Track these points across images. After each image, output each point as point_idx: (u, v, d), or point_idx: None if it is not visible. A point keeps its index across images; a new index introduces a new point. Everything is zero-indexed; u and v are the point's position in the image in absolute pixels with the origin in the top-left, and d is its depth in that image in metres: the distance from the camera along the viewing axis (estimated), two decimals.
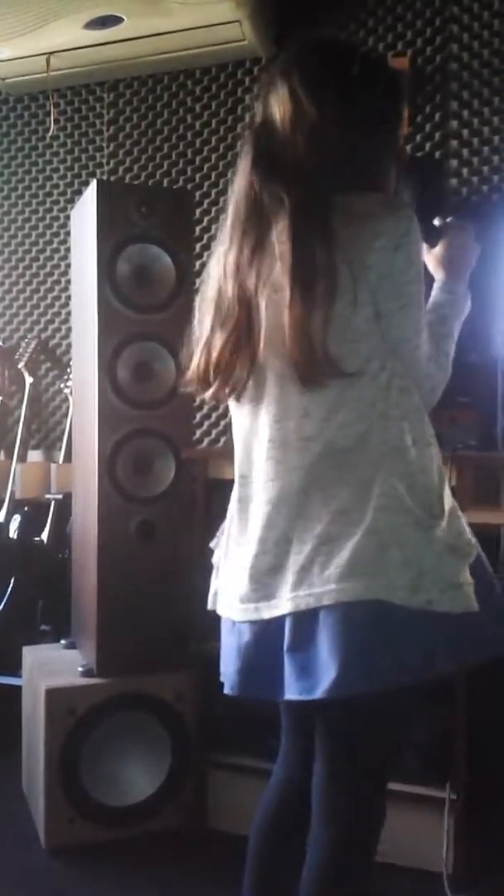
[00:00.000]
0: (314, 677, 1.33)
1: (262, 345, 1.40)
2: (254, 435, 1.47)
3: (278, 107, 1.43)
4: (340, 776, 1.45)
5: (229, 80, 3.17)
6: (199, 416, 3.17)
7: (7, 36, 2.97)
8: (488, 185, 2.83)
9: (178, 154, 3.27)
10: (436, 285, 1.60)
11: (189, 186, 3.20)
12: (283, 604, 1.38)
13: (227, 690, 1.46)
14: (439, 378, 1.49)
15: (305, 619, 1.35)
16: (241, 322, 1.41)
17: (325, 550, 1.36)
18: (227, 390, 1.46)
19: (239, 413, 1.51)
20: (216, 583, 1.56)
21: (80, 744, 2.37)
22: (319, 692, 1.32)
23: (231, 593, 1.47)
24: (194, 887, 2.19)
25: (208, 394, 1.48)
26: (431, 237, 1.61)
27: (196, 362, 1.47)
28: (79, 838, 2.37)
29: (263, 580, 1.41)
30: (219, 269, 1.45)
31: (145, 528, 2.43)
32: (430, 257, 1.61)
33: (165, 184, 3.26)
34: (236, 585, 1.45)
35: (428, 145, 2.90)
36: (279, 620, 1.38)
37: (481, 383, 2.40)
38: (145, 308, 2.41)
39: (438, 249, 1.61)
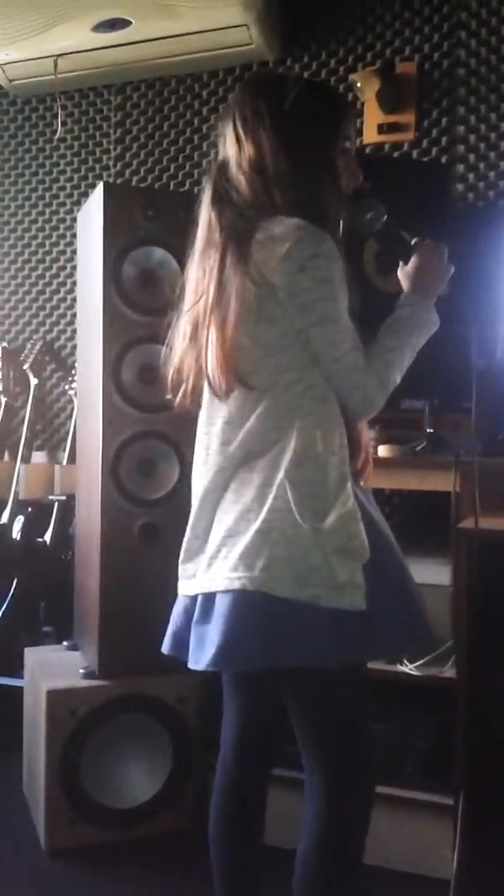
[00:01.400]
0: (203, 650, 1.52)
1: (204, 358, 1.57)
2: (198, 435, 1.66)
3: (228, 148, 1.58)
4: (311, 758, 1.57)
5: (236, 83, 3.18)
6: None
7: (15, 38, 2.98)
8: (494, 190, 2.83)
9: (184, 157, 3.28)
10: (401, 298, 1.63)
11: (196, 189, 3.20)
12: (198, 584, 1.58)
13: (162, 648, 1.67)
14: (373, 388, 1.54)
15: (207, 601, 1.55)
16: (190, 337, 1.59)
17: (228, 542, 1.53)
18: (184, 399, 1.64)
19: (199, 417, 1.69)
20: None
21: (81, 745, 2.36)
22: (202, 664, 1.50)
23: (180, 564, 1.67)
24: (195, 890, 2.18)
25: (175, 402, 1.65)
26: (402, 254, 1.65)
27: (169, 372, 1.65)
28: (79, 840, 2.37)
29: (191, 560, 1.61)
30: (186, 291, 1.63)
31: (148, 530, 2.43)
32: (402, 274, 1.65)
33: (172, 187, 3.27)
34: (180, 564, 1.66)
35: (435, 150, 2.90)
36: (195, 597, 1.59)
37: (486, 389, 2.40)
38: (150, 310, 2.41)
39: (408, 266, 1.65)
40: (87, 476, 2.60)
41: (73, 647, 2.70)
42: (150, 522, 2.43)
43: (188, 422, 2.51)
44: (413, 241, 1.65)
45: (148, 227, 2.41)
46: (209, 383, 1.56)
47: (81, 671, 2.44)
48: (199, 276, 1.58)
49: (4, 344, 3.50)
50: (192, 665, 1.55)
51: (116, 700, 2.39)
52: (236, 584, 1.48)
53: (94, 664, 2.45)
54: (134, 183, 3.34)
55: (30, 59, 3.12)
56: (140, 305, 2.41)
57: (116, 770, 2.44)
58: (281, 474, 1.49)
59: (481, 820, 2.21)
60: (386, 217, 1.65)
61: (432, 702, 2.25)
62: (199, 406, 1.65)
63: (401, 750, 2.25)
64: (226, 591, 1.50)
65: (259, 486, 1.51)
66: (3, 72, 3.20)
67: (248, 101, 1.58)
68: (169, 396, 1.66)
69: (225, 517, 1.55)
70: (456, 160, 2.87)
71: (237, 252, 1.50)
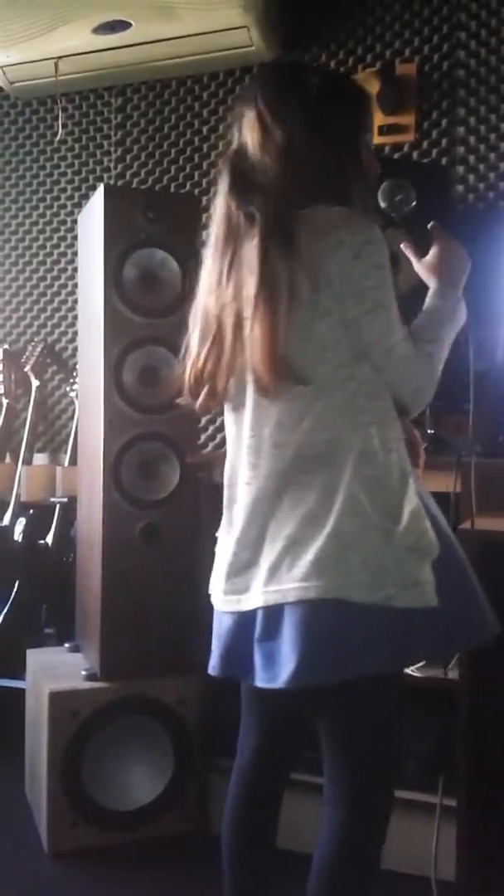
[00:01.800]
0: (277, 667, 1.44)
1: (242, 356, 1.48)
2: (237, 441, 1.57)
3: (249, 132, 1.52)
4: (343, 762, 1.52)
5: (237, 85, 3.18)
6: (204, 420, 3.17)
7: (16, 40, 2.98)
8: (495, 191, 2.83)
9: (185, 159, 3.28)
10: (429, 293, 1.62)
11: (196, 191, 3.21)
12: (256, 598, 1.49)
13: (210, 670, 1.58)
14: (423, 380, 1.53)
15: (273, 613, 1.46)
16: (218, 336, 1.51)
17: (292, 551, 1.45)
18: (212, 401, 1.56)
19: (227, 420, 1.62)
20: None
21: (83, 747, 2.37)
22: (280, 682, 1.42)
23: (217, 586, 1.58)
24: (196, 892, 2.18)
25: (197, 404, 1.57)
26: (421, 243, 1.63)
27: (186, 375, 1.57)
28: (81, 842, 2.38)
29: (241, 574, 1.52)
30: (202, 286, 1.55)
31: (150, 531, 2.43)
32: (422, 267, 1.64)
33: (173, 189, 3.27)
34: (221, 579, 1.57)
35: (435, 152, 2.90)
36: (252, 612, 1.49)
37: (487, 391, 2.40)
38: (151, 312, 2.42)
39: (429, 258, 1.63)
40: (88, 478, 2.61)
41: (75, 649, 2.71)
42: (152, 524, 2.43)
43: (189, 423, 2.53)
44: (429, 225, 1.64)
45: (149, 228, 2.42)
46: (256, 383, 1.46)
47: (83, 673, 2.44)
48: (222, 268, 1.50)
49: (6, 346, 3.50)
50: (263, 684, 1.47)
51: (118, 702, 2.39)
52: (311, 594, 1.41)
53: (95, 666, 2.45)
54: (134, 185, 3.34)
55: (30, 62, 3.12)
56: (141, 307, 2.41)
57: (118, 772, 2.44)
58: (348, 475, 1.44)
59: (483, 821, 2.21)
60: (415, 202, 1.64)
61: (434, 703, 2.25)
62: (222, 406, 1.59)
63: (403, 751, 2.25)
64: (297, 602, 1.42)
65: (323, 489, 1.44)
66: (4, 74, 3.20)
67: (274, 87, 1.53)
68: (183, 398, 1.60)
69: (284, 524, 1.47)
70: (456, 162, 2.87)
71: (283, 242, 1.43)
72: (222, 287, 1.50)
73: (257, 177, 1.49)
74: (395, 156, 2.94)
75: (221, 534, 1.61)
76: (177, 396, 1.63)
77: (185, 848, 2.39)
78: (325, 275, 1.42)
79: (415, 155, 2.93)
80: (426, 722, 2.30)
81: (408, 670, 2.24)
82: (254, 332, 1.44)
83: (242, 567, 1.52)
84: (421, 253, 1.64)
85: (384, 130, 2.92)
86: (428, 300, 1.60)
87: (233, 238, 1.49)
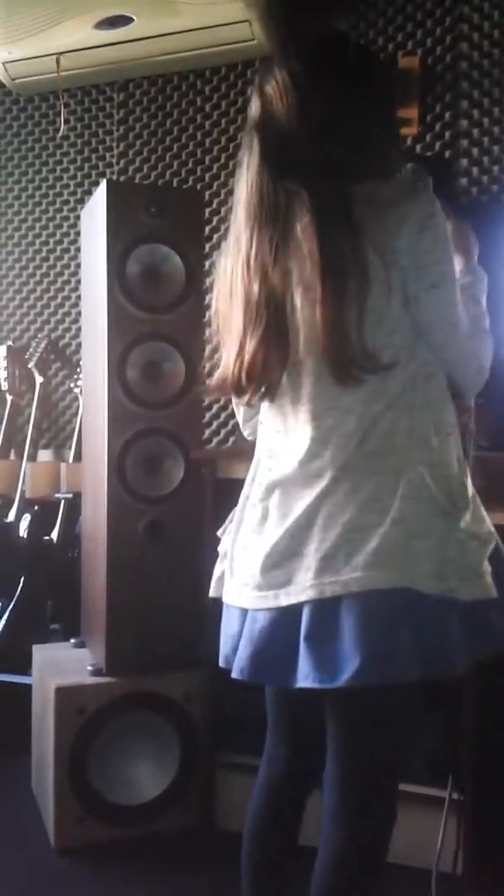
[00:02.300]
0: (335, 665, 1.32)
1: (298, 344, 1.40)
2: (286, 433, 1.47)
3: (279, 98, 1.40)
4: (354, 774, 1.45)
5: (239, 79, 3.17)
6: (208, 415, 3.17)
7: (17, 36, 2.98)
8: (498, 184, 2.82)
9: (187, 154, 3.27)
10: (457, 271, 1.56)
11: (199, 186, 3.20)
12: (304, 591, 1.37)
13: (235, 674, 1.44)
14: (485, 356, 1.49)
15: (327, 607, 1.35)
16: (270, 323, 1.39)
17: (352, 538, 1.35)
18: (260, 393, 1.45)
19: (270, 412, 1.51)
20: (220, 569, 1.56)
21: (89, 743, 2.37)
22: (342, 680, 1.31)
23: (244, 581, 1.46)
24: (202, 887, 2.19)
25: (244, 399, 1.47)
26: None
27: (231, 368, 1.44)
28: (88, 837, 2.38)
29: (281, 566, 1.40)
30: (240, 272, 1.42)
31: (154, 527, 2.43)
32: None
33: (175, 184, 3.26)
34: (252, 573, 1.44)
35: (438, 144, 2.89)
36: (296, 608, 1.37)
37: (495, 384, 2.39)
38: (155, 308, 2.42)
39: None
40: (92, 474, 2.61)
41: (81, 645, 2.71)
42: (156, 520, 2.43)
43: (193, 419, 2.53)
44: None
45: (152, 224, 2.41)
46: (334, 370, 1.35)
47: (89, 668, 2.44)
48: (266, 250, 1.37)
49: (9, 343, 3.50)
50: (315, 684, 1.34)
51: (124, 697, 2.40)
52: (378, 582, 1.31)
53: (101, 661, 2.45)
54: (137, 180, 3.33)
55: (32, 58, 3.11)
56: (144, 303, 2.41)
57: (124, 767, 2.45)
58: (411, 459, 1.36)
59: (489, 815, 2.21)
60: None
61: (440, 697, 2.24)
62: (271, 399, 1.47)
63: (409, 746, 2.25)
64: (360, 593, 1.32)
65: (384, 474, 1.36)
66: (6, 70, 3.20)
67: (311, 53, 1.42)
68: (213, 392, 1.51)
69: (339, 511, 1.36)
70: (459, 154, 2.86)
71: (342, 219, 1.32)
72: (270, 272, 1.38)
73: (295, 146, 1.38)
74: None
75: (248, 525, 1.50)
76: (183, 390, 1.55)
77: (191, 843, 2.39)
78: (392, 251, 1.33)
79: (418, 148, 2.91)
80: (433, 716, 2.30)
81: None
82: (324, 318, 1.33)
83: (282, 558, 1.40)
84: None
85: None
86: (465, 275, 1.55)
87: (273, 217, 1.38)
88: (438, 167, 2.81)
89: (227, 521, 1.61)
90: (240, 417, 1.67)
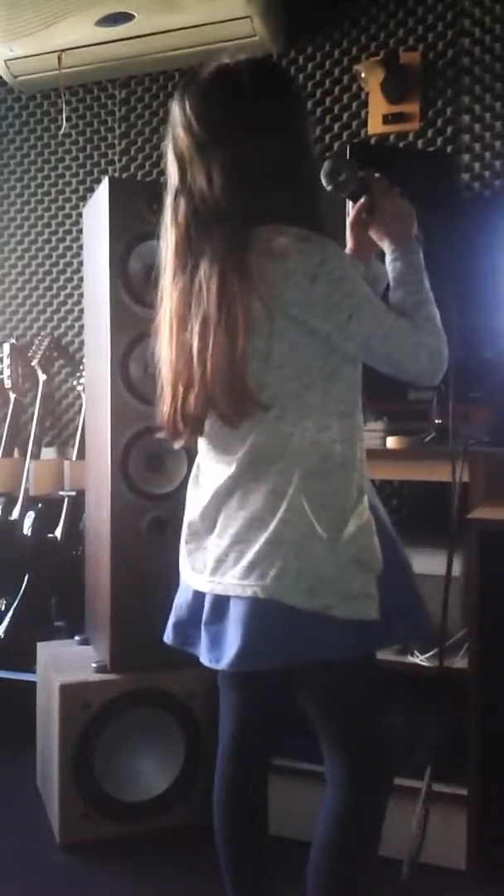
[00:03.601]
0: (221, 650, 1.51)
1: (205, 385, 1.47)
2: (201, 440, 1.61)
3: (181, 139, 1.50)
4: (330, 746, 1.58)
5: None
6: None
7: (19, 33, 2.98)
8: (500, 179, 2.82)
9: None
10: (387, 259, 1.59)
11: None
12: (204, 583, 1.57)
13: (164, 638, 1.68)
14: (434, 342, 1.51)
15: (220, 600, 1.53)
16: (197, 372, 1.47)
17: (236, 549, 1.50)
18: (198, 436, 1.59)
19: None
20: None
21: (93, 739, 2.38)
22: (223, 664, 1.49)
23: (181, 551, 1.66)
24: (207, 882, 2.19)
25: (179, 442, 1.60)
26: (356, 190, 1.61)
27: (166, 414, 1.56)
28: (92, 833, 2.39)
29: (194, 553, 1.60)
30: (167, 323, 1.53)
31: (158, 524, 2.43)
32: (374, 230, 1.62)
33: None
34: (182, 547, 1.65)
35: (439, 140, 2.89)
36: (202, 593, 1.58)
37: (495, 379, 2.40)
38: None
39: (380, 220, 1.60)
40: (95, 471, 2.61)
41: (85, 642, 2.72)
42: (159, 517, 2.43)
43: None
44: (363, 175, 1.61)
45: (154, 221, 2.38)
46: (220, 415, 1.48)
47: (93, 665, 2.45)
48: (183, 303, 1.49)
49: (12, 340, 3.51)
50: (208, 664, 1.55)
51: (128, 694, 2.40)
52: (248, 592, 1.47)
53: (105, 658, 2.46)
54: (139, 177, 3.33)
55: (34, 55, 3.11)
56: (147, 300, 2.38)
57: (129, 764, 2.45)
58: (294, 484, 1.46)
59: (492, 809, 2.21)
60: (361, 174, 1.61)
61: (444, 692, 2.25)
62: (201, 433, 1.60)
63: (412, 740, 2.25)
64: (238, 598, 1.49)
65: (267, 495, 1.47)
66: (8, 68, 3.20)
67: (199, 90, 1.49)
68: (164, 434, 1.60)
69: (231, 521, 1.52)
70: (461, 150, 2.86)
71: (238, 266, 1.41)
72: (188, 318, 1.48)
73: (200, 185, 1.47)
74: (400, 144, 2.93)
75: (189, 501, 1.66)
76: (158, 431, 1.61)
77: (196, 839, 2.39)
78: (278, 300, 1.41)
79: (419, 144, 2.91)
80: (436, 711, 2.30)
81: (417, 659, 2.25)
82: (213, 361, 1.44)
83: (193, 549, 1.60)
84: (355, 198, 1.62)
85: (388, 119, 2.91)
86: (390, 267, 1.57)
87: (186, 255, 1.48)
88: (439, 163, 2.81)
89: None
90: None
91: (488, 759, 2.18)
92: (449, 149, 2.87)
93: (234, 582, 1.49)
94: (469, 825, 2.17)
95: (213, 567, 1.54)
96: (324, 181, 1.59)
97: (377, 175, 1.62)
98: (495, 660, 2.18)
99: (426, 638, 1.61)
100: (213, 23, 2.88)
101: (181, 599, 1.66)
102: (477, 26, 2.85)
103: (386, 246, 1.60)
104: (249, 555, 1.47)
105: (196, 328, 1.46)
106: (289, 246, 1.41)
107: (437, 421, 2.42)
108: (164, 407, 1.56)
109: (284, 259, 1.41)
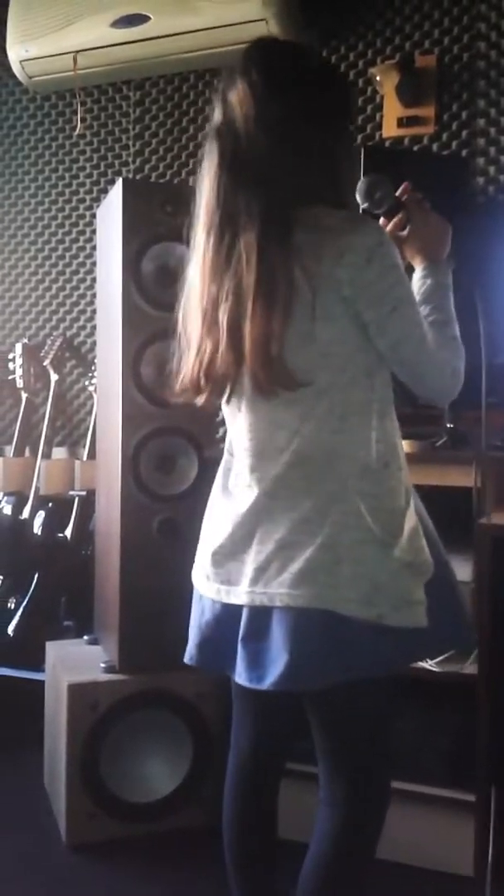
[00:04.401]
0: (263, 668, 1.41)
1: (241, 355, 1.41)
2: (237, 438, 1.54)
3: (239, 105, 1.42)
4: (335, 768, 1.51)
5: None
6: (221, 414, 3.16)
7: (34, 34, 2.99)
8: None
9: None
10: (416, 275, 1.58)
11: None
12: (242, 595, 1.46)
13: (185, 660, 1.59)
14: (457, 361, 1.49)
15: (261, 614, 1.43)
16: (223, 328, 1.42)
17: (282, 555, 1.41)
18: (218, 399, 1.53)
19: (227, 414, 1.59)
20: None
21: (101, 739, 2.38)
22: (267, 684, 1.40)
23: (201, 567, 1.56)
24: (214, 884, 2.19)
25: (201, 398, 1.52)
26: (391, 207, 1.60)
27: (190, 370, 1.49)
28: (100, 834, 2.39)
29: (226, 565, 1.49)
30: (200, 274, 1.46)
31: (168, 525, 2.43)
32: (407, 247, 1.60)
33: (191, 182, 3.22)
34: (205, 562, 1.54)
35: (455, 143, 2.88)
36: (238, 607, 1.47)
37: None
38: (170, 306, 2.35)
39: (414, 237, 1.59)
40: (106, 471, 2.61)
41: (94, 642, 2.72)
42: (169, 518, 2.43)
43: (207, 417, 2.53)
44: (405, 195, 1.61)
45: (167, 222, 2.41)
46: (254, 382, 1.41)
47: (102, 665, 2.45)
48: (221, 257, 1.42)
49: (25, 340, 3.51)
50: (248, 684, 1.44)
51: (137, 695, 2.40)
52: (299, 602, 1.38)
53: (114, 658, 2.46)
54: (153, 179, 3.34)
55: (49, 56, 3.12)
56: (159, 301, 2.41)
57: (136, 764, 2.45)
58: (348, 486, 1.41)
59: (502, 816, 2.20)
60: (397, 193, 1.61)
61: (455, 698, 2.24)
62: (227, 401, 1.54)
63: (423, 746, 2.25)
64: (286, 608, 1.40)
65: (319, 497, 1.41)
66: (23, 68, 3.21)
67: (272, 60, 1.44)
68: (179, 396, 1.53)
69: (275, 526, 1.43)
70: (476, 153, 2.85)
71: (280, 240, 1.36)
72: (220, 278, 1.42)
73: (251, 157, 1.40)
74: (415, 148, 2.93)
75: (210, 517, 1.58)
76: (173, 395, 1.54)
77: (203, 840, 2.39)
78: (329, 279, 1.36)
79: (434, 147, 2.91)
80: (447, 716, 2.30)
81: (428, 665, 2.24)
82: (250, 332, 1.38)
83: (227, 558, 1.49)
84: (388, 216, 1.61)
85: (403, 122, 2.91)
86: (418, 285, 1.56)
87: (227, 225, 1.41)
88: (454, 166, 2.80)
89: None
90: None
91: (500, 765, 2.17)
92: (464, 152, 2.87)
93: (280, 591, 1.40)
94: (477, 831, 2.16)
95: (252, 577, 1.44)
96: (359, 199, 1.59)
97: (418, 194, 1.62)
98: None
99: (469, 646, 1.54)
100: (229, 25, 2.88)
101: (206, 617, 1.55)
102: (493, 30, 2.84)
103: (417, 263, 1.59)
104: (299, 561, 1.39)
105: (229, 294, 1.41)
106: (342, 224, 1.38)
107: (448, 426, 2.41)
108: (189, 361, 1.48)
109: (339, 235, 1.36)
